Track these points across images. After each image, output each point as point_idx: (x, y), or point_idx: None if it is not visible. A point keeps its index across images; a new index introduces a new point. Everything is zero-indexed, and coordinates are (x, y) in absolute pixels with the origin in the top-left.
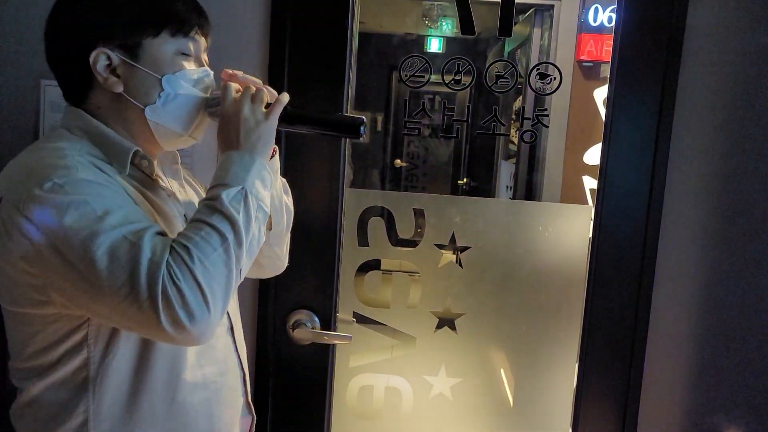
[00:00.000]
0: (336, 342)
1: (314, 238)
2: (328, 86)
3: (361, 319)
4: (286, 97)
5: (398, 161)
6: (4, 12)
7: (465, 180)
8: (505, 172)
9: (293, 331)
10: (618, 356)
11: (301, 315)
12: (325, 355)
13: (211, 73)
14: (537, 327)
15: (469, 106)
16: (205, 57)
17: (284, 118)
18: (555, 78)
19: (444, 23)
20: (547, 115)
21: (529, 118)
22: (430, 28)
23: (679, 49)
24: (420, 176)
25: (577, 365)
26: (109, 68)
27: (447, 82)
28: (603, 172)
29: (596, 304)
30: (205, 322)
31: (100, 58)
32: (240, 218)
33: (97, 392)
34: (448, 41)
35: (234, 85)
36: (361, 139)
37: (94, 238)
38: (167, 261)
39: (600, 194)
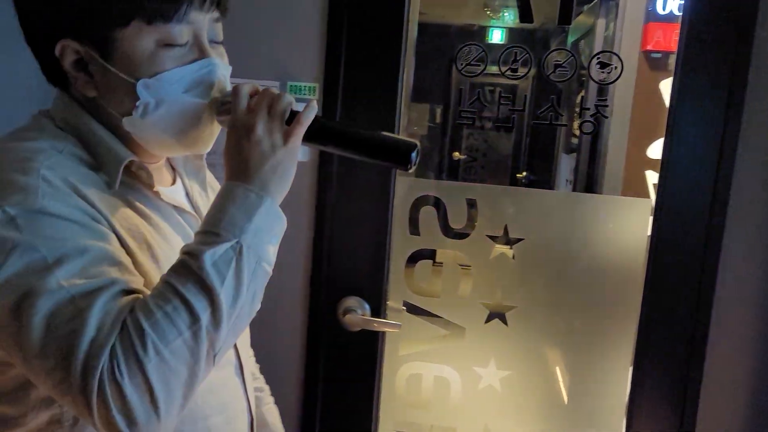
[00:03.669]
0: (386, 329)
1: (365, 224)
2: (383, 77)
3: (411, 308)
4: (313, 110)
5: (456, 153)
6: None
7: (524, 174)
8: (566, 165)
9: (344, 317)
10: (676, 357)
11: (352, 301)
12: (375, 342)
13: (217, 62)
14: (591, 323)
15: (526, 96)
16: (218, 32)
17: (312, 134)
18: (616, 67)
19: (506, 13)
20: (607, 106)
21: (588, 109)
22: (492, 18)
23: (751, 38)
24: (478, 169)
25: (631, 366)
26: (80, 65)
27: (504, 71)
28: (665, 165)
29: (654, 303)
30: (151, 429)
31: (68, 53)
32: (223, 290)
33: None
34: (511, 32)
35: (247, 88)
36: (410, 169)
37: (34, 297)
38: (113, 347)
39: (661, 188)
